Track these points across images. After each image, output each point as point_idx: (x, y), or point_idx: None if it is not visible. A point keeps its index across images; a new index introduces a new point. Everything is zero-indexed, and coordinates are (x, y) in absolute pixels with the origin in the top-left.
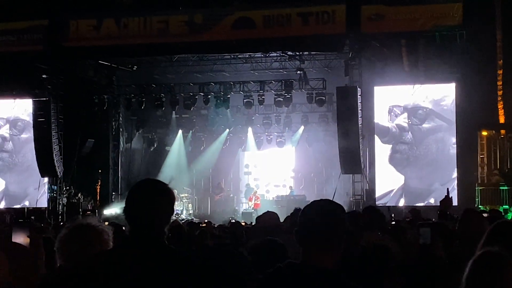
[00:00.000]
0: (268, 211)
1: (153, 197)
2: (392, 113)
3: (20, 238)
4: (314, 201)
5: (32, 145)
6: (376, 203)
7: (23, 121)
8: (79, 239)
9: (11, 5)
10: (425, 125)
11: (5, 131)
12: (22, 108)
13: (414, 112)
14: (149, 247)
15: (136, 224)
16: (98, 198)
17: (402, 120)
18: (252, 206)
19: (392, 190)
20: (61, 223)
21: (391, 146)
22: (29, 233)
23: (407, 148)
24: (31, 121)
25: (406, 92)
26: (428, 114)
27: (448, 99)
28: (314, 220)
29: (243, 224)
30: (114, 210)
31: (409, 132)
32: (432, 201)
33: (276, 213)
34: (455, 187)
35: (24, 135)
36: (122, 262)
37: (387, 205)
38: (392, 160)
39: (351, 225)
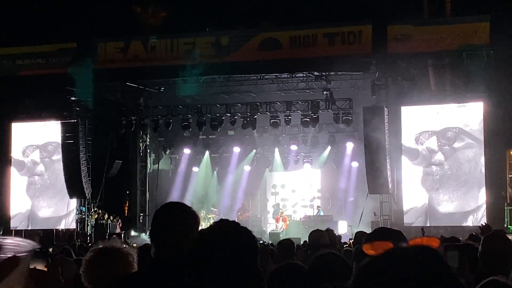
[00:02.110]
0: (318, 230)
1: (177, 219)
2: (420, 140)
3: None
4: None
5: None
6: (404, 223)
7: (53, 144)
8: (104, 262)
9: (40, 28)
10: (455, 145)
11: (36, 155)
12: (51, 131)
13: (443, 134)
14: (174, 270)
15: (161, 247)
16: (125, 218)
17: (431, 143)
18: (282, 227)
19: (419, 210)
20: (89, 244)
21: (422, 168)
22: (46, 263)
23: (439, 169)
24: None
25: (432, 113)
26: (458, 134)
27: (476, 118)
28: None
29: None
30: (141, 233)
31: (439, 153)
32: (468, 223)
33: (324, 232)
34: (485, 207)
35: (55, 157)
36: (147, 286)
37: (413, 225)
38: (425, 182)
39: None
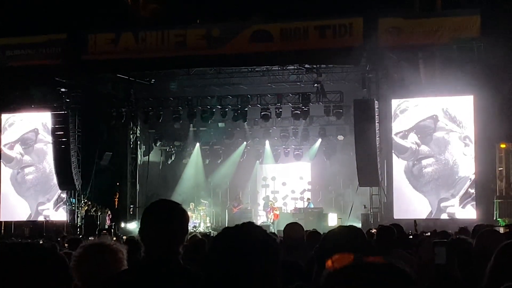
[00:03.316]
0: (294, 223)
1: (166, 218)
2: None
3: None
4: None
5: (46, 153)
6: (394, 216)
7: (28, 134)
8: (94, 259)
9: (30, 19)
10: (436, 134)
11: (18, 149)
12: (27, 125)
13: (418, 128)
14: (164, 268)
15: (151, 245)
16: (116, 210)
17: (413, 137)
18: (272, 218)
19: (410, 203)
20: (80, 236)
21: (410, 164)
22: None
23: (428, 162)
24: (40, 130)
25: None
26: (436, 120)
27: (466, 111)
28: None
29: None
30: (132, 224)
31: (423, 146)
32: (446, 216)
33: (301, 225)
34: (474, 199)
35: (37, 145)
36: (137, 284)
37: (405, 218)
38: (416, 179)
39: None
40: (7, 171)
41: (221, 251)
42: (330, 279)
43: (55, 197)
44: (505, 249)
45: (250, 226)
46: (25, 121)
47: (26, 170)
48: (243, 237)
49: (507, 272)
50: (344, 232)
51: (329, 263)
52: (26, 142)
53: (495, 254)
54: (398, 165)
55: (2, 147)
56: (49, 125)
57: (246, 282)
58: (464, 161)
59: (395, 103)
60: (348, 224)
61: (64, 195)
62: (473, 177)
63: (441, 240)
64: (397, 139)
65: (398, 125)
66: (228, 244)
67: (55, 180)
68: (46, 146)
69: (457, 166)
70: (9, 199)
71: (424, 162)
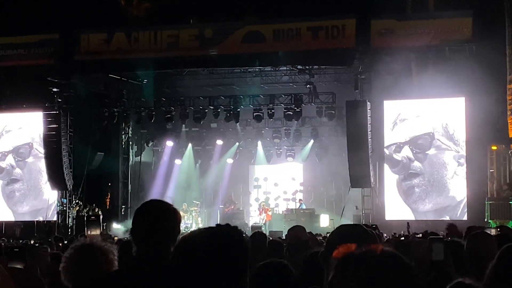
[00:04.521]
0: (297, 226)
1: (158, 218)
2: (396, 150)
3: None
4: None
5: (39, 168)
6: (386, 217)
7: (24, 147)
8: (85, 260)
9: (22, 19)
10: (429, 152)
11: (10, 160)
12: (23, 137)
13: (414, 143)
14: (156, 269)
15: (143, 246)
16: (107, 210)
17: (406, 151)
18: (264, 219)
19: (401, 206)
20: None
21: (402, 176)
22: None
23: (421, 179)
24: (35, 144)
25: (412, 116)
26: (431, 140)
27: (458, 113)
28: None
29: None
30: (123, 225)
31: (415, 161)
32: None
33: (304, 228)
34: (465, 202)
35: (30, 159)
36: (129, 284)
37: (396, 219)
38: (409, 196)
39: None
40: None
41: (184, 254)
42: (337, 267)
43: (46, 200)
44: (509, 249)
45: (213, 229)
46: (23, 129)
47: (16, 185)
48: (204, 239)
49: (509, 272)
50: (348, 229)
51: (335, 253)
52: (19, 154)
53: (498, 254)
54: (391, 175)
55: None
56: None
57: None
58: (456, 183)
59: (396, 110)
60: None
61: (55, 197)
62: (464, 200)
63: (438, 237)
64: (390, 152)
65: (395, 135)
66: (190, 247)
67: (46, 195)
68: (40, 161)
69: (448, 190)
70: None
71: (415, 180)
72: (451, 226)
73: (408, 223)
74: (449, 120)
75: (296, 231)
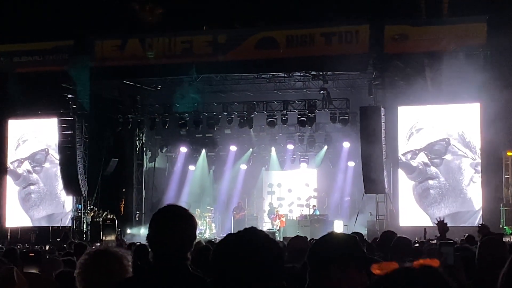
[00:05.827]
0: (298, 236)
1: (175, 223)
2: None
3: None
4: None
5: (56, 173)
6: (400, 224)
7: (41, 153)
8: (99, 266)
9: (37, 25)
10: (446, 157)
11: (27, 166)
12: (39, 144)
13: (430, 149)
14: (173, 274)
15: (159, 251)
16: (121, 216)
17: (422, 157)
18: (278, 225)
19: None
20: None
21: (418, 184)
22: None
23: (436, 182)
24: (50, 150)
25: (427, 124)
26: (448, 144)
27: (473, 119)
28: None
29: None
30: (137, 230)
31: (432, 167)
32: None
33: (305, 238)
34: (481, 207)
35: (46, 165)
36: None
37: (411, 225)
38: (425, 199)
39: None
40: (15, 187)
41: (223, 257)
42: (380, 284)
43: (62, 206)
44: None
45: (251, 232)
46: (39, 136)
47: (32, 187)
48: (244, 242)
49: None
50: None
51: (375, 268)
52: (36, 160)
53: (509, 261)
54: (405, 181)
55: (9, 164)
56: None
57: (251, 286)
58: (473, 190)
59: (410, 117)
60: (343, 232)
61: (70, 204)
62: (479, 210)
63: (447, 242)
64: (405, 159)
65: (411, 144)
66: (230, 250)
67: (62, 201)
68: (56, 167)
69: (465, 196)
70: (15, 208)
71: (430, 182)
72: (483, 227)
73: (425, 229)
74: (465, 127)
75: (296, 241)
